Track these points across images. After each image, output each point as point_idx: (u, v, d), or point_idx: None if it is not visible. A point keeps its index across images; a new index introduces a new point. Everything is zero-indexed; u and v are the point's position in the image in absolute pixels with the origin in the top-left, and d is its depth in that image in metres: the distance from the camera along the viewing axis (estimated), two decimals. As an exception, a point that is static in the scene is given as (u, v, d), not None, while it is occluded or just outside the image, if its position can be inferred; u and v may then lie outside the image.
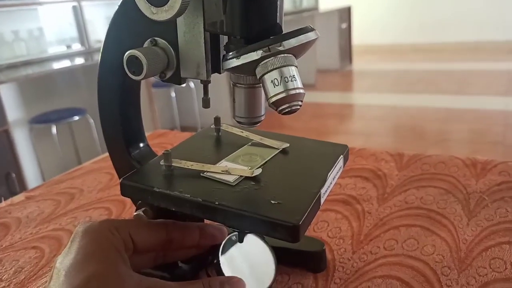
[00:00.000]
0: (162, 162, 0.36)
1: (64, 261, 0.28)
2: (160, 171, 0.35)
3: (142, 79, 0.32)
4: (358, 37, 6.22)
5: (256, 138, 0.41)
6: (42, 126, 2.47)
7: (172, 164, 0.35)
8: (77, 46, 2.96)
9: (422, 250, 0.45)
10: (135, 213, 0.37)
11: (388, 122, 3.49)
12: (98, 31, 3.12)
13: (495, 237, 0.46)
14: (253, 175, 0.34)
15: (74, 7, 2.88)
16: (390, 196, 0.57)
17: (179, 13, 0.29)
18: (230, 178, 0.33)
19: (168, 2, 0.29)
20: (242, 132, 0.42)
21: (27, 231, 0.57)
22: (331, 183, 0.35)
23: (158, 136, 0.91)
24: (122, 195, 0.35)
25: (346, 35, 5.51)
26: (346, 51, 5.52)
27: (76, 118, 2.48)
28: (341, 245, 0.47)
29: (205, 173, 0.34)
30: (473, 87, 4.21)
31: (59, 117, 2.47)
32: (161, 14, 0.29)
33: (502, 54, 5.48)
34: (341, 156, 0.38)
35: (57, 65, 2.60)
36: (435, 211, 0.52)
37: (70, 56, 2.88)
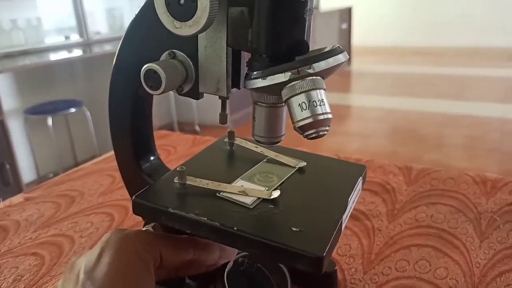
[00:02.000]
0: (176, 180, 0.34)
1: (93, 273, 0.27)
2: (173, 189, 0.34)
3: (160, 93, 0.31)
4: (357, 38, 6.21)
5: (271, 154, 0.40)
6: (37, 117, 2.44)
7: (187, 182, 0.34)
8: (75, 37, 2.92)
9: (434, 272, 0.44)
10: (144, 228, 0.36)
11: (386, 124, 3.49)
12: (97, 23, 3.08)
13: (509, 261, 0.45)
14: (271, 197, 0.32)
15: (73, -2, 2.84)
16: (400, 213, 0.56)
17: (204, 29, 0.27)
18: (247, 200, 0.32)
19: (193, 17, 0.27)
20: (257, 147, 0.41)
21: (26, 236, 0.56)
22: (351, 207, 0.33)
23: (160, 138, 0.89)
24: (134, 214, 0.33)
25: (346, 35, 5.51)
26: (346, 51, 5.51)
27: (73, 110, 2.45)
28: (352, 264, 0.46)
29: (221, 193, 0.33)
30: (471, 93, 4.23)
31: (55, 108, 2.44)
32: (185, 29, 0.28)
33: (502, 61, 5.50)
34: (360, 178, 0.37)
35: (54, 56, 2.56)
36: (446, 230, 0.51)
37: (68, 47, 2.84)
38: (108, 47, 2.79)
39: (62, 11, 2.86)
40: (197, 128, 3.43)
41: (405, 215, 0.55)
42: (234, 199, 0.32)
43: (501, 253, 0.46)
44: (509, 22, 5.80)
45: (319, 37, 5.17)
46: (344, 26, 5.40)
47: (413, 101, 4.06)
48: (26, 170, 2.55)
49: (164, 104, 3.42)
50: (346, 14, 5.44)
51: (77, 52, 2.73)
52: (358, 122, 3.66)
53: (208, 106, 3.26)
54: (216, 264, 0.33)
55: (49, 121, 2.39)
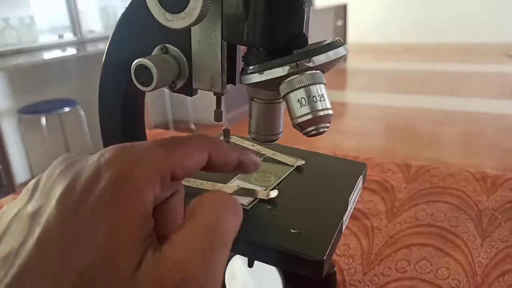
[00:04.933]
0: (170, 180, 0.33)
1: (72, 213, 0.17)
2: (167, 189, 0.32)
3: (152, 90, 0.29)
4: (353, 35, 6.21)
5: (268, 152, 0.39)
6: (31, 117, 2.40)
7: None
8: (69, 36, 2.89)
9: (436, 273, 0.43)
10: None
11: (381, 121, 3.49)
12: (91, 21, 3.05)
13: (512, 260, 0.44)
14: (268, 198, 0.31)
15: (67, -4, 2.81)
16: (399, 211, 0.55)
17: (197, 21, 0.26)
18: (244, 201, 0.31)
19: (186, 9, 0.26)
20: (253, 145, 0.40)
21: (17, 238, 0.54)
22: (351, 207, 0.32)
23: (155, 137, 0.87)
24: (126, 216, 0.32)
25: (341, 32, 5.50)
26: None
27: (67, 109, 2.42)
28: (351, 265, 0.45)
29: (216, 194, 0.32)
30: (466, 89, 4.23)
31: (49, 108, 2.41)
32: (177, 22, 0.26)
33: (496, 57, 5.51)
34: (361, 176, 0.36)
35: (48, 55, 2.53)
36: (447, 229, 0.50)
37: (62, 46, 2.81)
38: (102, 46, 2.77)
39: (56, 10, 2.83)
40: (193, 126, 3.41)
41: (405, 213, 0.54)
42: None
43: (504, 252, 0.46)
44: (503, 18, 5.82)
45: (314, 34, 5.16)
46: (340, 23, 5.40)
47: (408, 98, 4.06)
48: (20, 171, 2.52)
49: (159, 103, 3.39)
50: (341, 11, 5.44)
51: (71, 51, 2.70)
52: (354, 119, 3.66)
53: (203, 104, 3.25)
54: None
55: (43, 120, 2.36)
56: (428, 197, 0.58)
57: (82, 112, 2.55)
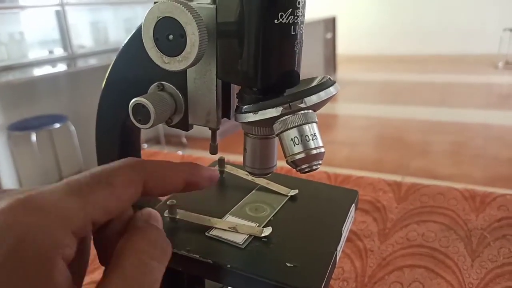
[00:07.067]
0: (166, 213, 0.33)
1: None
2: (164, 223, 0.33)
3: (149, 127, 0.30)
4: (342, 47, 6.29)
5: (263, 182, 0.40)
6: (21, 133, 2.39)
7: (177, 217, 0.33)
8: (59, 51, 2.89)
9: (428, 295, 0.44)
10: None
11: (372, 132, 3.53)
12: (82, 36, 3.06)
13: (501, 280, 0.45)
14: (262, 235, 0.32)
15: (57, 12, 2.82)
16: (391, 232, 0.56)
17: (194, 64, 0.27)
18: (238, 239, 0.31)
19: (182, 53, 0.27)
20: (247, 174, 0.40)
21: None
22: (345, 236, 0.33)
23: (147, 157, 0.88)
24: (123, 250, 0.32)
25: (331, 45, 5.57)
26: (331, 61, 5.57)
27: (57, 125, 2.41)
28: (345, 288, 0.46)
29: (210, 232, 0.32)
30: (454, 100, 4.30)
31: (39, 124, 2.40)
32: (174, 64, 0.27)
33: (484, 67, 5.62)
34: (353, 205, 0.36)
35: (38, 71, 2.52)
36: (438, 250, 0.51)
37: (52, 61, 2.81)
38: (92, 61, 2.77)
39: (46, 25, 2.83)
40: (184, 140, 3.41)
41: (397, 234, 0.55)
42: (225, 239, 0.31)
43: (493, 272, 0.47)
44: (491, 29, 5.95)
45: (304, 47, 5.22)
46: (329, 35, 5.47)
47: (398, 109, 4.11)
48: (10, 187, 2.49)
49: (151, 117, 3.39)
50: (330, 24, 5.51)
51: (61, 67, 2.69)
52: (345, 130, 3.69)
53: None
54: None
55: (33, 137, 2.35)
56: (419, 217, 0.59)
57: (72, 128, 2.55)
